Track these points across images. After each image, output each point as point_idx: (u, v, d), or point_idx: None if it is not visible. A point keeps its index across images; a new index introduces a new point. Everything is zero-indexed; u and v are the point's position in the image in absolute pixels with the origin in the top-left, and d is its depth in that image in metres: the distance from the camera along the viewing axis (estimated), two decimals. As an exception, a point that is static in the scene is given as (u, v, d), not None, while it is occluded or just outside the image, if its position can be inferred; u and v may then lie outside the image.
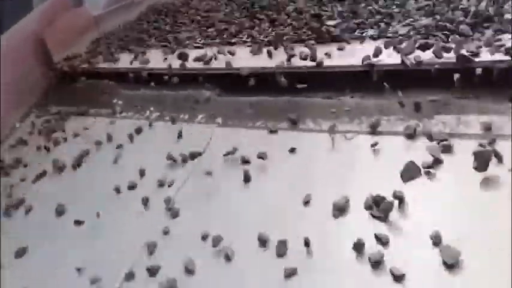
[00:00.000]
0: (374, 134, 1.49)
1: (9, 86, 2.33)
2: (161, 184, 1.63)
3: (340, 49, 1.79)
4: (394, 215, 1.22)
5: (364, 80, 1.64)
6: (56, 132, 2.18)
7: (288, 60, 1.81)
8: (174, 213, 1.50)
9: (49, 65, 2.46)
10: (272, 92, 1.82)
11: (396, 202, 1.24)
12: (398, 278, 1.09)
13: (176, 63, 2.09)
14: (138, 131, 1.93)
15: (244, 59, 1.96)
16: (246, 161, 1.56)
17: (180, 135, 1.80)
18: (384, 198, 1.24)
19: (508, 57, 1.44)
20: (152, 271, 1.33)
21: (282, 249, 1.25)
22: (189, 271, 1.30)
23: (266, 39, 2.04)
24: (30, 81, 2.42)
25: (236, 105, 1.88)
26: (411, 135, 1.42)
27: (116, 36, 2.69)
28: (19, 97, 2.38)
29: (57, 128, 2.20)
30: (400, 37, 1.73)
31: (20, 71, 2.37)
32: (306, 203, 1.35)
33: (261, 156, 1.55)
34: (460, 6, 1.84)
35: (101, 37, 2.73)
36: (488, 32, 1.60)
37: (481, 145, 1.29)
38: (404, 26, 1.82)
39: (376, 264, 1.13)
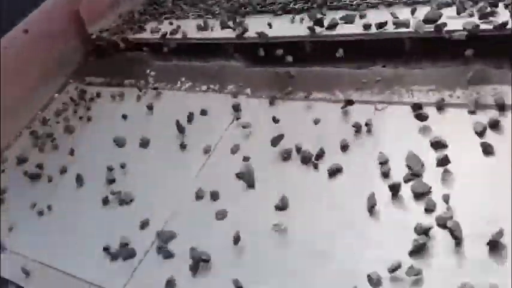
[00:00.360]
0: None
1: (46, 58, 2.41)
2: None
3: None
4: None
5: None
6: (92, 102, 2.26)
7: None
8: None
9: (84, 36, 2.51)
10: (302, 62, 1.80)
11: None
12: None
13: (209, 34, 2.10)
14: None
15: (277, 28, 1.93)
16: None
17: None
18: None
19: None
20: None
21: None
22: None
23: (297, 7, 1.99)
24: (66, 53, 2.48)
25: (266, 75, 1.87)
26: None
27: (149, 6, 2.70)
28: (56, 69, 2.45)
29: (92, 98, 2.27)
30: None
31: (56, 43, 2.44)
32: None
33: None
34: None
35: (134, 8, 2.74)
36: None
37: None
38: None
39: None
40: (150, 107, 2.00)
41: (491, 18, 1.45)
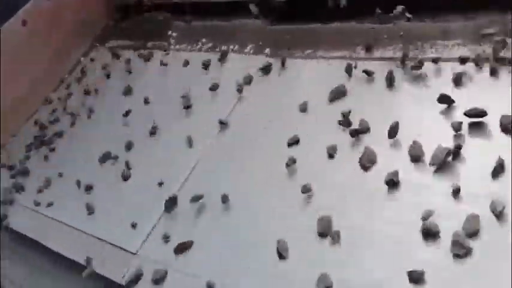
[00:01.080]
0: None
1: (71, 21, 2.42)
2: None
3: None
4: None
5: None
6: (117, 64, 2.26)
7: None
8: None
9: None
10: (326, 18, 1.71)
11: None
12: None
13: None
14: (186, 63, 1.95)
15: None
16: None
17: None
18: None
19: None
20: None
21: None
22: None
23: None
24: (90, 15, 2.48)
25: (290, 34, 1.80)
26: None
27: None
28: (81, 32, 2.45)
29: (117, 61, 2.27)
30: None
31: (80, 6, 2.43)
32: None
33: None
34: None
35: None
36: None
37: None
38: None
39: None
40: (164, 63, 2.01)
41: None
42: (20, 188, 1.98)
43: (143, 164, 1.70)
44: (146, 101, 1.92)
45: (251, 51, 1.83)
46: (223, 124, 1.59)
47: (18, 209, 1.92)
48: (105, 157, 1.80)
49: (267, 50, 1.79)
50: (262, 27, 1.89)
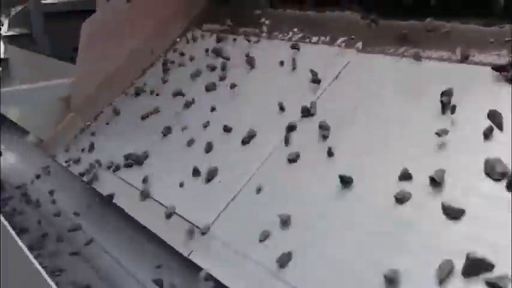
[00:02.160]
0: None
1: (171, 2, 2.50)
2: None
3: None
4: None
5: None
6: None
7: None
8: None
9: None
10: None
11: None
12: None
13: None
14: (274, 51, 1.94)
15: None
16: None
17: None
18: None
19: None
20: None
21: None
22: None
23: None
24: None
25: (385, 29, 1.72)
26: None
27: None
28: (179, 13, 2.53)
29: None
30: None
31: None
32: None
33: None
34: None
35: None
36: None
37: None
38: None
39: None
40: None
41: None
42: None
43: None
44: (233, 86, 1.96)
45: (342, 45, 1.78)
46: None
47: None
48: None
49: (359, 45, 1.72)
50: (358, 21, 1.83)
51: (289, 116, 1.63)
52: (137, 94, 2.40)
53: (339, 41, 1.80)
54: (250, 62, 1.99)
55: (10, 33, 3.55)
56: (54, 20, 3.34)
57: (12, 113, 3.14)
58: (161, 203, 1.72)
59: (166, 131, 2.00)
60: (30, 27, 3.50)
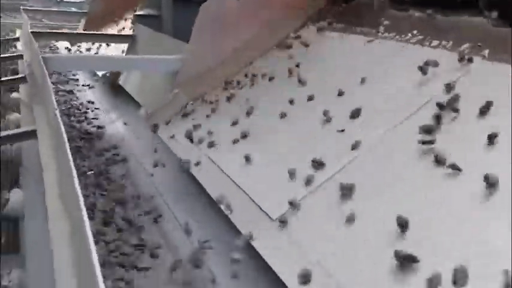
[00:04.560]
0: None
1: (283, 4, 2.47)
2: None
3: None
4: None
5: None
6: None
7: None
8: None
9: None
10: None
11: None
12: None
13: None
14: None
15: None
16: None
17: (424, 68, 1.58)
18: None
19: None
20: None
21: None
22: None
23: None
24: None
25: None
26: None
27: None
28: (294, 12, 2.49)
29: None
30: None
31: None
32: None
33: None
34: None
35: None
36: None
37: None
38: None
39: None
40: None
41: None
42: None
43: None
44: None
45: (465, 51, 1.59)
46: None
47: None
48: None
49: (485, 52, 1.53)
50: (488, 28, 1.63)
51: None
52: (238, 83, 2.39)
53: (463, 47, 1.61)
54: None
55: (141, 13, 3.80)
56: (181, 5, 3.50)
57: (129, 87, 3.35)
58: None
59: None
60: (159, 10, 3.71)
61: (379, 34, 2.01)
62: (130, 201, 2.06)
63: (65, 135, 1.43)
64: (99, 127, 3.15)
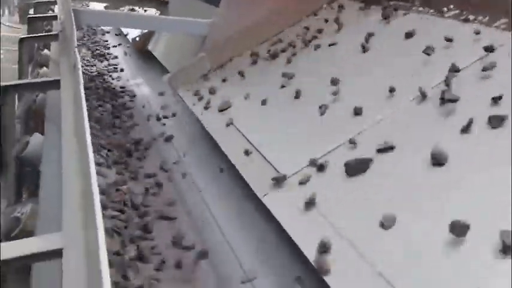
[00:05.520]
0: None
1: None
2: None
3: None
4: None
5: None
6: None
7: None
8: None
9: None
10: None
11: None
12: None
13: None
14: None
15: None
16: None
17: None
18: None
19: None
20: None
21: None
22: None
23: None
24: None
25: None
26: None
27: None
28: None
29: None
30: None
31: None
32: None
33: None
34: None
35: None
36: None
37: None
38: None
39: None
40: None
41: None
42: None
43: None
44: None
45: (502, 26, 1.51)
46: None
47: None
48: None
49: (523, 28, 1.45)
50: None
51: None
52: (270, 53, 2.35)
53: (499, 22, 1.53)
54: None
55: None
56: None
57: (157, 53, 3.36)
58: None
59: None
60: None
61: (414, 8, 1.94)
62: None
63: (82, 84, 1.44)
64: (121, 87, 3.21)
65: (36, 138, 2.22)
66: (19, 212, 1.62)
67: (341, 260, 1.08)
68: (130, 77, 3.52)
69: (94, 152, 1.29)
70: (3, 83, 2.04)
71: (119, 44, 4.39)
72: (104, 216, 0.89)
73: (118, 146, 2.14)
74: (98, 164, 1.82)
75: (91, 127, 1.76)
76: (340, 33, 2.10)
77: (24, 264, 1.00)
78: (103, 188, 1.65)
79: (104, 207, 1.54)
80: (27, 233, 1.54)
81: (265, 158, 1.55)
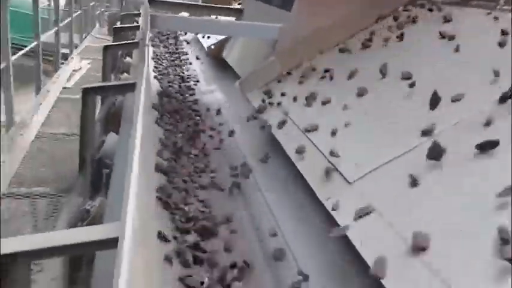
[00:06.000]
0: None
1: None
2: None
3: None
4: None
5: None
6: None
7: None
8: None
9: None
10: None
11: None
12: None
13: None
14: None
15: None
16: None
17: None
18: None
19: None
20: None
21: None
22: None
23: None
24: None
25: None
26: None
27: None
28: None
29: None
30: None
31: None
32: None
33: None
34: None
35: None
36: None
37: None
38: None
39: None
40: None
41: None
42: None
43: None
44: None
45: None
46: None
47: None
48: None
49: None
50: None
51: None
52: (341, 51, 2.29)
53: None
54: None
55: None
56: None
57: (231, 60, 3.41)
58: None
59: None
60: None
61: (498, 7, 1.80)
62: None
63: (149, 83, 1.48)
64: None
65: (111, 138, 2.32)
66: (89, 205, 1.71)
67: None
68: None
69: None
70: (84, 86, 2.17)
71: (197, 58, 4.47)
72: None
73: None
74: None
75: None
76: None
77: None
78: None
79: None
80: (97, 224, 1.61)
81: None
